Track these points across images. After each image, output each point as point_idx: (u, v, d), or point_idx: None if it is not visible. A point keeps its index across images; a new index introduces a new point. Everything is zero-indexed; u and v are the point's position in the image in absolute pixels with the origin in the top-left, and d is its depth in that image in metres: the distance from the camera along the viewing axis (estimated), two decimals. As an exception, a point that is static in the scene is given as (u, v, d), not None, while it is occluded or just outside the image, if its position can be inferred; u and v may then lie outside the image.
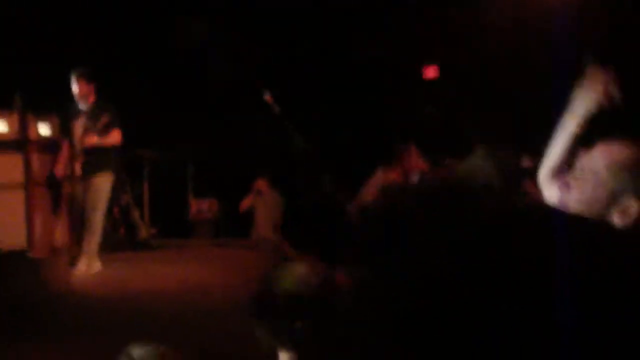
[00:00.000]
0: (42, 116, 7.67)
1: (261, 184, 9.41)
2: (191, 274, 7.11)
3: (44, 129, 7.67)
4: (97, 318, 5.46)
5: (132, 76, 9.36)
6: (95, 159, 7.24)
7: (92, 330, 4.98)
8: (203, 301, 5.98)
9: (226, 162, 9.16)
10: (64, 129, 7.37)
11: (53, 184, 7.44)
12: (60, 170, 7.26)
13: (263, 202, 9.29)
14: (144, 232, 8.96)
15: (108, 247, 8.50)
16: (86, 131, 7.24)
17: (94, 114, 7.27)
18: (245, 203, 9.52)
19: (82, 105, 7.33)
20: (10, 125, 7.22)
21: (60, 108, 7.78)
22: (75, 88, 7.30)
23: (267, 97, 7.60)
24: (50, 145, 7.66)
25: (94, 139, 7.20)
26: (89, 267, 7.15)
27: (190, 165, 9.97)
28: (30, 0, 8.66)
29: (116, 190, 9.03)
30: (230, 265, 7.48)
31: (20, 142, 7.31)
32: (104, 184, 7.33)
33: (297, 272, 1.99)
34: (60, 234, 7.60)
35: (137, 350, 1.91)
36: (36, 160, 7.41)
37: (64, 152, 7.28)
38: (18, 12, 8.36)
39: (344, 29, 9.17)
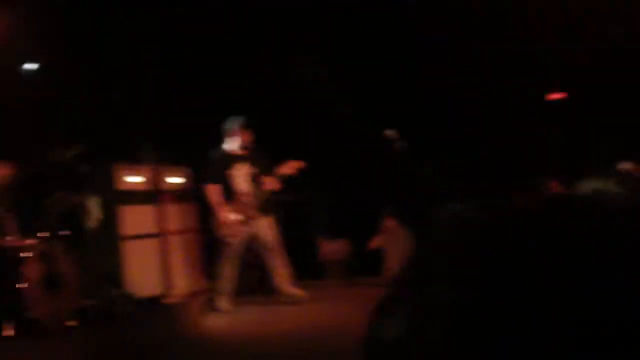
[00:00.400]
0: (173, 167, 7.98)
1: (389, 221, 9.33)
2: (323, 314, 7.08)
3: (175, 180, 7.96)
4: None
5: (261, 120, 9.59)
6: (264, 202, 7.45)
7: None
8: (335, 341, 5.91)
9: (355, 202, 9.11)
10: (212, 177, 7.43)
11: (205, 231, 7.65)
12: (224, 216, 7.31)
13: (393, 240, 9.20)
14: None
15: (242, 290, 8.64)
16: (257, 177, 7.45)
17: (256, 160, 7.48)
18: (375, 241, 9.45)
19: (238, 152, 7.51)
20: (143, 177, 7.54)
21: (190, 158, 8.08)
22: (235, 137, 7.45)
23: (391, 133, 7.60)
24: (181, 195, 7.94)
25: (274, 184, 7.43)
26: (297, 292, 7.51)
27: (319, 207, 10.01)
28: (151, 54, 9.03)
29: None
30: (362, 305, 7.38)
31: (153, 193, 7.62)
32: (274, 225, 7.55)
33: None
34: (195, 280, 7.81)
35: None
36: (169, 209, 7.70)
37: (216, 198, 7.33)
38: (142, 67, 8.77)
39: (458, 61, 9.05)
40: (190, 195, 8.10)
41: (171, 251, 7.55)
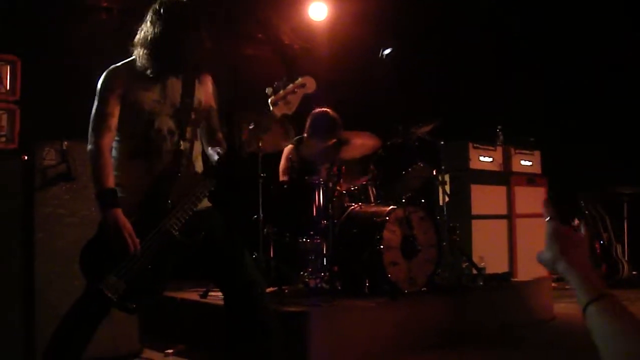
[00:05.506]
0: (524, 150, 7.93)
1: None
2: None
3: (525, 163, 7.91)
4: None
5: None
6: None
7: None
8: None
9: None
10: None
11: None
12: None
13: None
14: (626, 269, 8.60)
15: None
16: None
17: None
18: None
19: None
20: (495, 158, 7.60)
21: (542, 143, 7.98)
22: None
23: None
24: (531, 179, 7.86)
25: None
26: None
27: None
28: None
29: (597, 226, 8.86)
30: None
31: (503, 175, 7.64)
32: None
33: None
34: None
35: None
36: (518, 192, 7.66)
37: None
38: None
39: None
40: (540, 179, 7.98)
41: (518, 234, 7.52)
